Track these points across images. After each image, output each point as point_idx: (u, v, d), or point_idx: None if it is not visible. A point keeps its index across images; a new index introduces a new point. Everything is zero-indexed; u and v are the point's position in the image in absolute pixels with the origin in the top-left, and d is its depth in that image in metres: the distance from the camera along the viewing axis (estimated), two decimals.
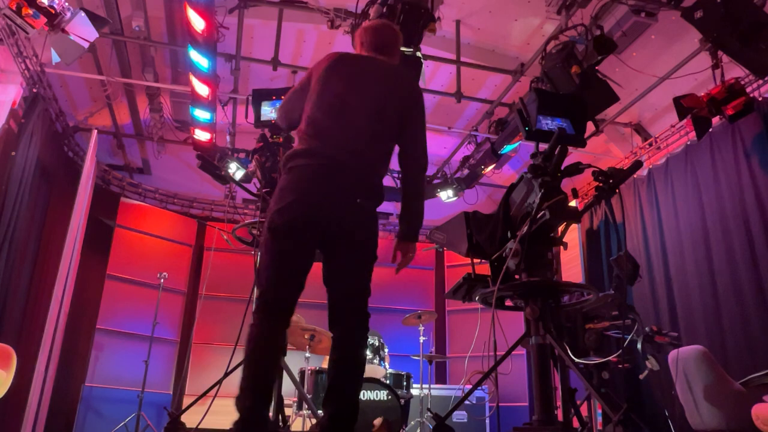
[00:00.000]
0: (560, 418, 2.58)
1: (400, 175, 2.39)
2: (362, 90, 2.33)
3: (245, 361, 2.03)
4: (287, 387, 3.58)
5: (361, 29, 2.60)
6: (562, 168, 2.71)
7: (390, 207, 8.80)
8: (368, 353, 5.26)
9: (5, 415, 4.85)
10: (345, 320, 2.19)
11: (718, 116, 4.60)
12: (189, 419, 2.79)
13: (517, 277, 2.73)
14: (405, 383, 5.48)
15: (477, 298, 2.93)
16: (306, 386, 5.25)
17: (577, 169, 2.72)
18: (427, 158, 2.41)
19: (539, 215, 2.60)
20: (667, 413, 4.68)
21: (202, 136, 5.87)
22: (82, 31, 3.94)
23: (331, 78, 2.34)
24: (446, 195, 7.43)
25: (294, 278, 2.14)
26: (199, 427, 2.86)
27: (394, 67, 2.50)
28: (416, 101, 2.41)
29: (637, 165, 2.80)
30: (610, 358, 4.10)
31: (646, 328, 4.07)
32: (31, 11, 3.66)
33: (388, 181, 8.69)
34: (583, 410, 4.06)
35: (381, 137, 2.31)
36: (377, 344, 5.38)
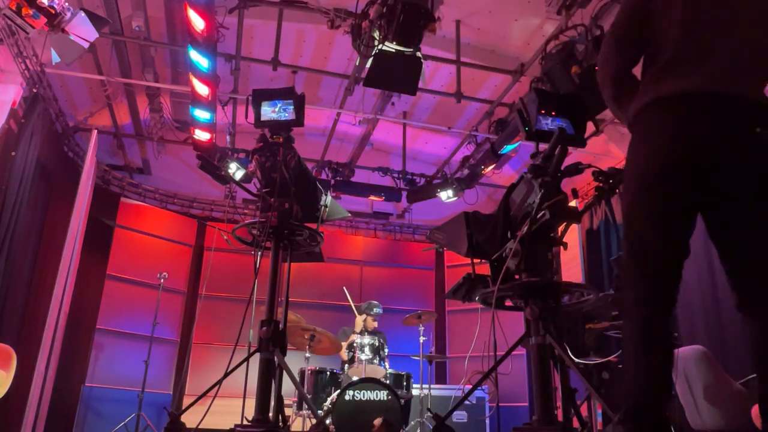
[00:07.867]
0: (560, 418, 2.57)
1: None
2: None
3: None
4: (287, 387, 3.58)
5: None
6: (562, 168, 2.71)
7: (390, 207, 8.79)
8: (368, 353, 5.26)
9: (5, 415, 4.85)
10: None
11: None
12: (189, 419, 2.79)
13: (517, 277, 2.73)
14: (405, 383, 5.47)
15: (477, 298, 2.92)
16: (306, 386, 5.26)
17: (577, 169, 2.72)
18: None
19: (539, 215, 2.59)
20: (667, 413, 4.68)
21: (202, 136, 5.87)
22: (82, 31, 3.93)
23: None
24: (446, 195, 7.43)
25: None
26: (199, 427, 2.86)
27: None
28: None
29: None
30: (610, 358, 4.09)
31: None
32: (31, 11, 3.66)
33: (387, 180, 8.62)
34: (583, 410, 4.06)
35: None
36: (377, 344, 5.38)
